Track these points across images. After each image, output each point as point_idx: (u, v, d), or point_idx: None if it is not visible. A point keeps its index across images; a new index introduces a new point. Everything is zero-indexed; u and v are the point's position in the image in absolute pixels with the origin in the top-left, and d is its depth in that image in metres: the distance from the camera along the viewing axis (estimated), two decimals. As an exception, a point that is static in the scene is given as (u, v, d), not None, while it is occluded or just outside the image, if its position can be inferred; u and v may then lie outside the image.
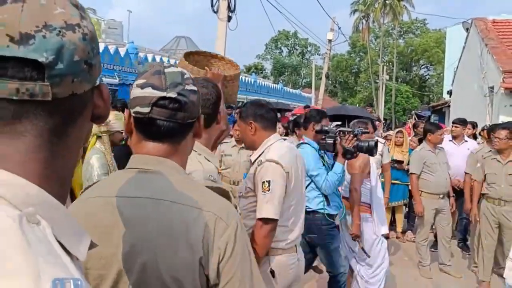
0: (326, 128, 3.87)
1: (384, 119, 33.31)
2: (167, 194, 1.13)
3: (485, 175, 5.13)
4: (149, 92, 1.14)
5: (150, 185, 1.15)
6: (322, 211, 3.82)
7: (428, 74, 54.11)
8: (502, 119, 10.41)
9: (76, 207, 1.20)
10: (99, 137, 3.74)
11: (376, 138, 5.97)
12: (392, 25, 48.89)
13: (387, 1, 43.84)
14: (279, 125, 8.88)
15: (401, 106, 46.20)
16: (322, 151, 3.94)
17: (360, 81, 52.29)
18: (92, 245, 0.70)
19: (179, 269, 1.08)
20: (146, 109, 1.14)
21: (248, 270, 1.15)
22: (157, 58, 16.26)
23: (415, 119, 19.41)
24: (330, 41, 22.65)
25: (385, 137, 7.45)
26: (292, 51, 60.24)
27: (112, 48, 14.06)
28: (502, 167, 4.96)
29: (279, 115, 13.99)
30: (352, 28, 48.71)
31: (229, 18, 10.62)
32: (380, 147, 5.67)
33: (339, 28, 22.67)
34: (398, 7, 43.70)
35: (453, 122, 7.05)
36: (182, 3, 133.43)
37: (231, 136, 5.78)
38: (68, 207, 1.20)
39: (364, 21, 46.77)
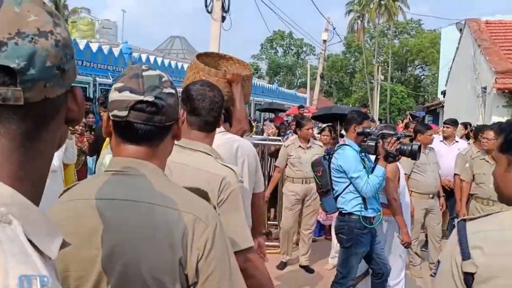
0: (368, 130, 3.82)
1: (379, 119, 33.40)
2: (147, 196, 1.15)
3: (474, 175, 5.19)
4: (126, 95, 1.16)
5: (130, 187, 1.17)
6: (358, 213, 3.77)
7: (423, 75, 54.34)
8: (495, 119, 10.49)
9: (58, 209, 1.21)
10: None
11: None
12: (387, 26, 49.04)
13: (382, 2, 43.98)
14: (271, 125, 8.92)
15: (396, 106, 46.37)
16: (363, 154, 3.89)
17: (355, 81, 52.45)
18: (64, 244, 0.72)
19: (160, 269, 1.11)
20: (123, 113, 1.16)
21: (227, 269, 1.17)
22: (151, 58, 16.25)
23: (409, 119, 19.49)
24: (324, 41, 22.72)
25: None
26: (287, 51, 60.30)
27: (106, 48, 14.05)
28: (491, 167, 5.01)
29: (273, 115, 14.02)
30: (347, 28, 48.87)
31: (223, 18, 10.63)
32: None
33: (334, 29, 22.78)
34: (393, 7, 43.84)
35: (444, 123, 7.10)
36: (177, 3, 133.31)
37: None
38: (48, 209, 1.23)
39: (359, 22, 46.91)
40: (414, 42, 50.25)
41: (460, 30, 16.31)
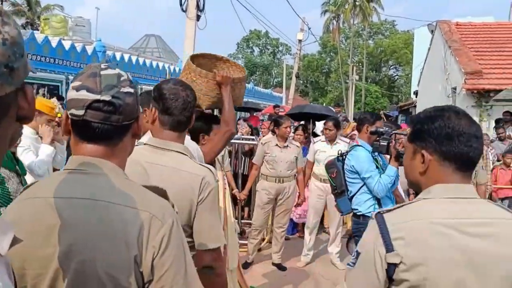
0: (381, 130, 3.80)
1: (354, 118, 33.75)
2: (104, 195, 1.16)
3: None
4: (83, 94, 1.16)
5: (87, 186, 1.17)
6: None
7: (396, 75, 55.10)
8: (464, 119, 10.75)
9: (16, 208, 1.21)
10: None
11: (341, 137, 6.12)
12: (362, 26, 49.56)
13: (357, 2, 44.43)
14: (244, 124, 8.94)
15: (371, 106, 46.92)
16: (376, 154, 3.90)
17: (331, 81, 52.83)
18: (15, 241, 0.74)
19: (115, 267, 1.12)
20: (80, 112, 1.16)
21: (183, 267, 1.19)
22: (126, 57, 16.09)
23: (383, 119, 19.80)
24: (300, 41, 22.86)
25: (350, 137, 7.59)
26: (263, 51, 60.38)
27: (79, 46, 13.86)
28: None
29: (248, 114, 14.04)
30: (323, 28, 49.19)
31: (198, 17, 10.60)
32: (345, 146, 5.80)
33: (309, 29, 22.93)
34: (367, 8, 44.33)
35: (406, 122, 7.23)
36: (152, 1, 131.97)
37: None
38: (7, 207, 1.23)
39: (334, 22, 47.26)
40: (388, 42, 50.91)
41: (432, 31, 16.64)
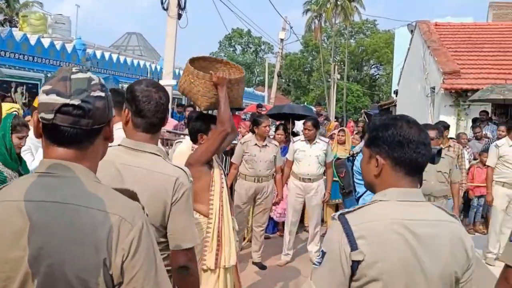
0: None
1: (336, 117, 33.98)
2: (74, 198, 1.17)
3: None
4: (53, 98, 1.17)
5: (57, 189, 1.18)
6: None
7: (378, 74, 55.62)
8: (442, 118, 10.91)
9: None
10: None
11: (320, 137, 6.17)
12: (344, 25, 49.87)
13: (338, 2, 44.69)
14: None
15: (352, 104, 47.31)
16: None
17: (313, 79, 53.06)
18: None
19: (85, 270, 1.13)
20: (50, 116, 1.17)
21: (153, 269, 1.20)
22: (106, 55, 15.95)
23: (364, 118, 19.98)
24: (282, 40, 22.90)
25: (330, 136, 7.67)
26: (245, 49, 60.37)
27: (58, 44, 13.70)
28: (432, 165, 5.24)
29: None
30: (305, 27, 49.38)
31: (180, 16, 10.56)
32: (324, 146, 5.86)
33: (291, 28, 22.95)
34: (349, 8, 44.63)
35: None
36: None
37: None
38: None
39: (316, 21, 47.47)
40: (369, 42, 51.34)
41: (411, 31, 16.84)
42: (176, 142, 5.96)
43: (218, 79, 2.91)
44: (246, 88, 31.92)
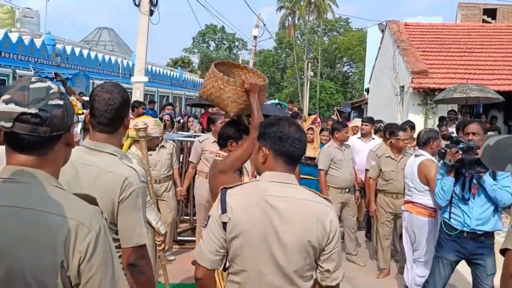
0: (460, 139, 3.82)
1: (309, 114, 34.27)
2: (33, 203, 1.22)
3: (383, 172, 5.51)
4: (12, 108, 1.22)
5: (17, 194, 1.23)
6: (442, 218, 3.94)
7: (350, 72, 56.24)
8: (411, 116, 11.17)
9: None
10: (136, 141, 3.76)
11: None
12: (317, 23, 50.25)
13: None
14: (195, 121, 8.95)
15: (325, 101, 47.76)
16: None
17: (287, 76, 53.35)
18: None
19: (42, 272, 1.18)
20: (8, 124, 1.22)
21: (109, 271, 1.26)
22: (77, 50, 15.71)
23: (336, 115, 20.22)
24: (255, 37, 23.00)
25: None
26: (219, 46, 60.18)
27: (27, 39, 13.43)
28: (397, 164, 5.41)
29: (202, 110, 14.06)
30: (279, 24, 49.58)
31: (152, 12, 10.49)
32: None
33: (264, 25, 23.09)
34: (322, 5, 45.00)
35: (362, 121, 7.48)
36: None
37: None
38: None
39: (290, 18, 47.73)
40: (342, 40, 51.83)
41: (382, 30, 17.11)
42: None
43: (251, 85, 2.95)
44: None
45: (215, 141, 5.60)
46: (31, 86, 1.26)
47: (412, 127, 7.03)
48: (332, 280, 1.94)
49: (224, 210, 1.88)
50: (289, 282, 1.88)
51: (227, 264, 1.95)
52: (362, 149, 6.75)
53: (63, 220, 1.21)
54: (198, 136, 7.24)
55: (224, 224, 1.88)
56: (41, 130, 1.24)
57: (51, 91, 1.28)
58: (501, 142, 2.45)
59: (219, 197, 1.94)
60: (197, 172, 5.77)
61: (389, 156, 5.50)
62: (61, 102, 1.29)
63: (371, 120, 7.42)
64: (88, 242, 1.22)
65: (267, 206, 1.86)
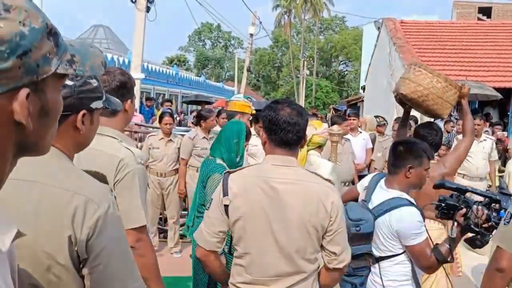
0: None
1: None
2: (42, 177, 1.24)
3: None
4: None
5: (28, 168, 1.22)
6: None
7: (346, 70, 56.31)
8: (407, 113, 11.22)
9: None
10: (318, 147, 4.20)
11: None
12: (313, 22, 50.33)
13: (308, -2, 45.06)
14: (190, 117, 8.89)
15: (321, 100, 47.80)
16: None
17: (282, 75, 53.34)
18: (20, 234, 0.79)
19: (51, 245, 1.20)
20: None
21: (118, 248, 1.27)
22: (73, 47, 15.66)
23: (332, 113, 20.26)
24: (251, 35, 22.96)
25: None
26: (215, 44, 60.11)
27: (23, 36, 13.37)
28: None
29: (199, 107, 14.08)
30: (275, 22, 49.61)
31: (148, 9, 10.49)
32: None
33: (261, 23, 23.04)
34: (318, 4, 45.07)
35: (348, 115, 7.56)
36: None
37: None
38: None
39: (286, 17, 47.77)
40: (338, 38, 51.92)
41: (378, 28, 17.15)
42: (149, 136, 5.98)
43: (467, 90, 3.21)
44: (216, 83, 31.94)
45: (204, 137, 5.67)
46: None
47: (415, 121, 7.13)
48: (339, 262, 1.96)
49: (225, 193, 1.94)
50: (291, 264, 1.90)
51: (232, 248, 2.03)
52: (353, 143, 6.82)
53: (72, 195, 1.22)
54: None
55: (226, 207, 1.93)
56: None
57: None
58: None
59: (221, 181, 2.00)
60: (187, 166, 5.83)
61: None
62: (70, 83, 1.31)
63: (356, 115, 7.52)
64: (97, 218, 1.22)
65: (267, 188, 1.90)
